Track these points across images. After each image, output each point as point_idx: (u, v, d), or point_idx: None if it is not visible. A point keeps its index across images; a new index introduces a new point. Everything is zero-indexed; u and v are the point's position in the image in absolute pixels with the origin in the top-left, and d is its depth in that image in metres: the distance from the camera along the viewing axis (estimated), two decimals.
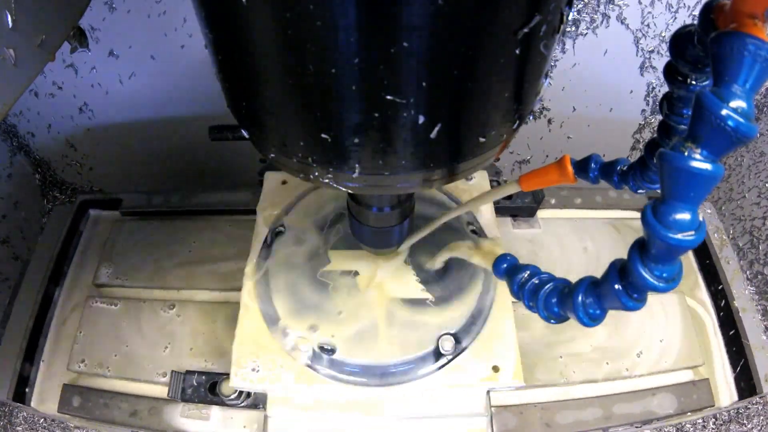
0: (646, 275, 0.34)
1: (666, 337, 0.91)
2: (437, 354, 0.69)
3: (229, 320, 0.91)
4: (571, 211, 1.05)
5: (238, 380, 0.68)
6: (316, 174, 0.41)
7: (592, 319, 0.40)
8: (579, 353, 0.88)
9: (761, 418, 1.20)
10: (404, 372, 0.69)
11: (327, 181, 0.42)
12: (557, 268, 0.94)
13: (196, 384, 0.81)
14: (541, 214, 1.02)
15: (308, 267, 0.76)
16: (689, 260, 1.02)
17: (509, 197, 0.97)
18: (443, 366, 0.69)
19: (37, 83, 1.07)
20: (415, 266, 0.76)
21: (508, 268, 0.56)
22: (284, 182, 0.87)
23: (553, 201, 1.04)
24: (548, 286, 0.47)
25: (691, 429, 1.26)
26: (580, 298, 0.41)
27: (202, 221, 1.07)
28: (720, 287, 0.97)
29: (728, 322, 0.94)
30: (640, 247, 0.34)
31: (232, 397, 0.79)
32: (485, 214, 0.83)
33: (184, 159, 1.32)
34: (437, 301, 0.72)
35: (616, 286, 0.37)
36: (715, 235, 1.02)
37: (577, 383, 0.86)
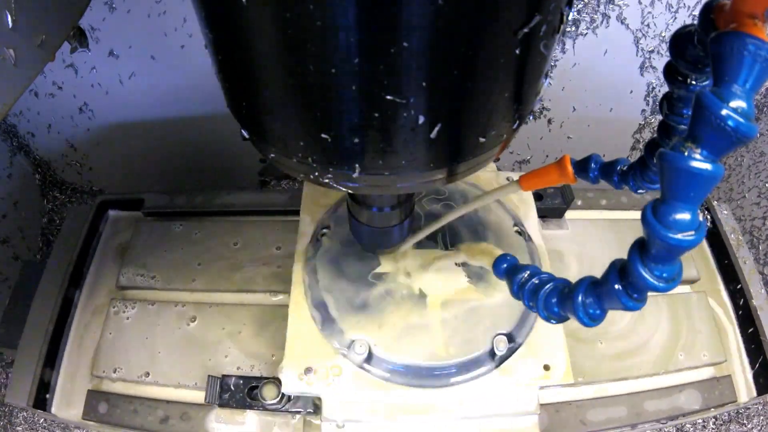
0: (646, 275, 0.34)
1: (690, 335, 0.93)
2: (492, 354, 0.69)
3: (258, 323, 0.90)
4: (597, 212, 1.06)
5: (291, 383, 0.66)
6: (316, 174, 0.41)
7: (592, 319, 0.40)
8: (608, 352, 0.90)
9: (761, 418, 1.20)
10: (459, 373, 0.68)
11: (327, 181, 0.42)
12: (587, 269, 0.95)
13: (233, 388, 0.79)
14: (568, 215, 1.03)
15: (357, 267, 0.75)
16: (709, 261, 1.05)
17: (539, 198, 0.97)
18: (498, 365, 0.69)
19: (37, 83, 1.07)
20: (466, 264, 0.75)
21: (508, 268, 0.56)
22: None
23: (579, 202, 1.06)
24: (548, 286, 0.47)
25: (691, 429, 1.26)
26: (580, 298, 0.41)
27: (228, 222, 1.04)
28: (739, 286, 0.99)
29: (747, 320, 0.97)
30: (640, 247, 0.34)
31: (275, 401, 0.77)
32: (529, 218, 0.83)
33: (184, 159, 1.32)
34: (489, 299, 0.72)
35: (616, 286, 0.37)
36: (732, 235, 1.03)
37: (608, 381, 0.88)
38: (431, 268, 0.75)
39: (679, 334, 0.92)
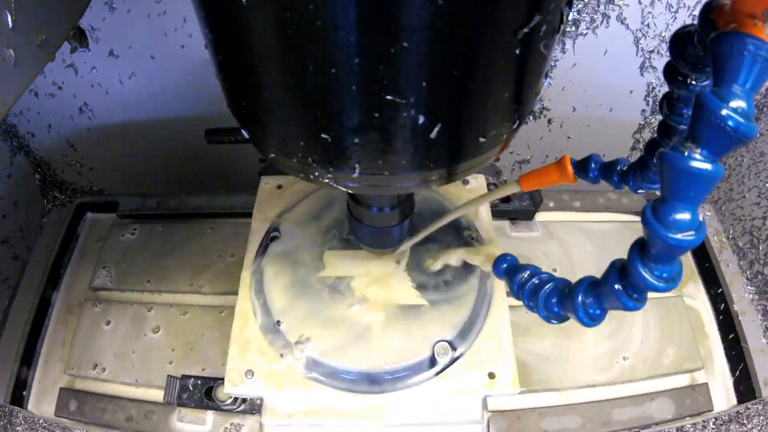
0: (646, 275, 0.34)
1: (665, 340, 0.90)
2: (433, 361, 0.69)
3: (226, 324, 0.90)
4: (570, 214, 1.04)
5: (232, 386, 0.67)
6: (316, 174, 0.41)
7: (592, 319, 0.40)
8: (576, 358, 0.87)
9: (761, 418, 1.20)
10: (399, 379, 0.68)
11: (327, 181, 0.42)
12: (557, 272, 0.94)
13: (191, 388, 0.81)
14: (540, 217, 1.01)
15: (304, 272, 0.76)
16: (689, 263, 1.02)
17: (507, 200, 0.97)
18: (439, 373, 0.68)
19: (37, 83, 1.07)
20: (412, 269, 0.75)
21: (508, 268, 0.56)
22: (279, 186, 0.87)
23: (551, 204, 1.04)
24: (548, 286, 0.47)
25: (691, 429, 1.26)
26: (580, 298, 0.41)
27: (200, 224, 1.07)
28: (719, 290, 0.96)
29: (727, 325, 0.94)
30: (640, 247, 0.34)
31: (228, 402, 0.79)
32: (483, 217, 0.82)
33: (184, 159, 1.32)
34: (433, 306, 0.72)
35: (616, 286, 0.37)
36: (715, 237, 1.02)
37: (575, 388, 0.85)
38: (376, 273, 0.75)
39: (654, 339, 0.90)
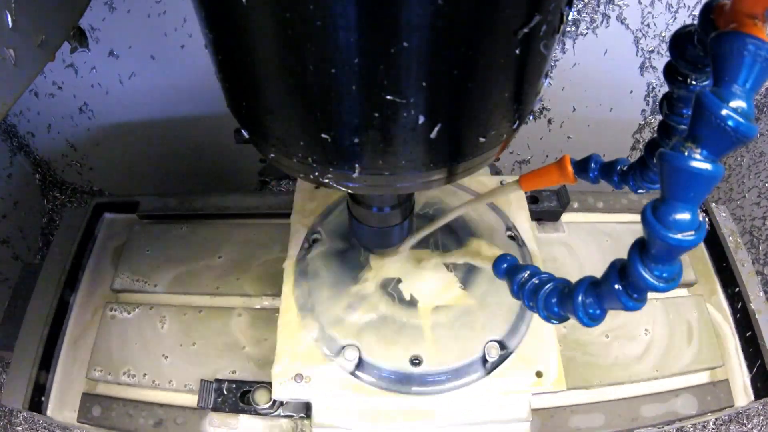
0: (646, 275, 0.34)
1: (686, 339, 0.92)
2: (483, 361, 0.69)
3: (254, 326, 0.89)
4: (594, 215, 1.05)
5: (282, 389, 0.66)
6: (316, 174, 0.41)
7: (592, 319, 0.40)
8: (603, 356, 0.89)
9: (761, 417, 1.20)
10: (450, 380, 0.68)
11: (327, 181, 0.42)
12: (583, 272, 0.94)
13: (226, 392, 0.79)
14: (565, 218, 1.02)
15: (348, 274, 0.75)
16: (707, 264, 1.04)
17: (535, 201, 0.97)
18: (489, 373, 0.68)
19: (37, 83, 1.07)
20: (459, 270, 0.75)
21: (508, 268, 0.56)
22: (318, 186, 0.84)
23: (576, 205, 1.05)
24: (548, 286, 0.47)
25: (691, 429, 1.26)
26: (580, 298, 0.41)
27: (224, 225, 1.04)
28: (737, 290, 0.98)
29: (745, 323, 0.96)
30: (640, 247, 0.34)
31: (266, 406, 0.77)
32: (522, 220, 0.82)
33: (184, 158, 1.32)
34: (480, 305, 0.72)
35: (616, 286, 0.37)
36: (730, 238, 1.03)
37: (603, 385, 0.87)
38: (423, 274, 0.75)
39: (675, 338, 0.91)
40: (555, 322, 0.46)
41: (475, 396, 0.68)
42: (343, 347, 0.68)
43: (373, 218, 0.62)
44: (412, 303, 0.72)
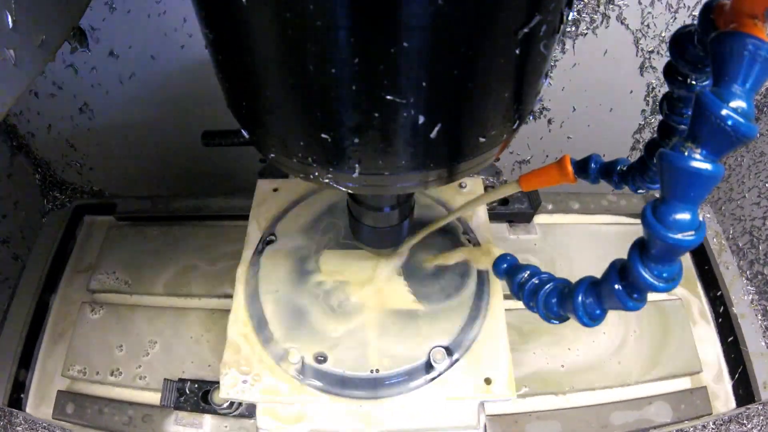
0: (646, 275, 0.34)
1: (664, 343, 0.90)
2: (428, 366, 0.68)
3: (223, 328, 0.91)
4: (568, 216, 1.04)
5: (228, 390, 0.67)
6: (316, 174, 0.41)
7: (592, 319, 0.40)
8: (575, 361, 0.87)
9: (761, 418, 1.20)
10: (395, 385, 0.68)
11: (327, 181, 0.42)
12: (555, 275, 0.94)
13: (188, 392, 0.81)
14: (538, 219, 1.01)
15: (299, 276, 0.75)
16: (688, 265, 1.01)
17: (505, 203, 0.96)
18: (434, 379, 0.68)
19: (37, 83, 1.07)
20: (409, 274, 0.75)
21: (508, 268, 0.56)
22: (275, 189, 0.87)
23: (550, 206, 1.04)
24: (548, 286, 0.47)
25: (691, 430, 1.26)
26: (580, 298, 0.41)
27: (198, 227, 1.07)
28: (719, 293, 0.96)
29: (727, 328, 0.93)
30: (640, 247, 0.34)
31: (224, 406, 0.79)
32: (480, 220, 0.82)
33: (184, 159, 1.32)
34: (429, 311, 0.71)
35: (616, 286, 0.37)
36: (714, 240, 1.01)
37: (573, 391, 0.85)
38: (373, 278, 0.75)
39: (653, 342, 0.89)
40: (555, 322, 0.46)
41: (420, 402, 0.67)
42: (287, 350, 0.68)
43: (373, 218, 0.62)
44: (359, 307, 0.72)
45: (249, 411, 0.80)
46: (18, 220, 1.14)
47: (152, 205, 1.09)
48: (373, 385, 0.68)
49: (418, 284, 0.74)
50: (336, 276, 0.75)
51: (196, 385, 0.81)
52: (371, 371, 0.67)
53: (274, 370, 0.68)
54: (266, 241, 0.79)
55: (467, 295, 0.73)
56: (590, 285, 0.41)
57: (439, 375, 0.68)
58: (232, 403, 0.79)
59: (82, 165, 1.29)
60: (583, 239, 0.98)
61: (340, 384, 0.68)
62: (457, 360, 0.69)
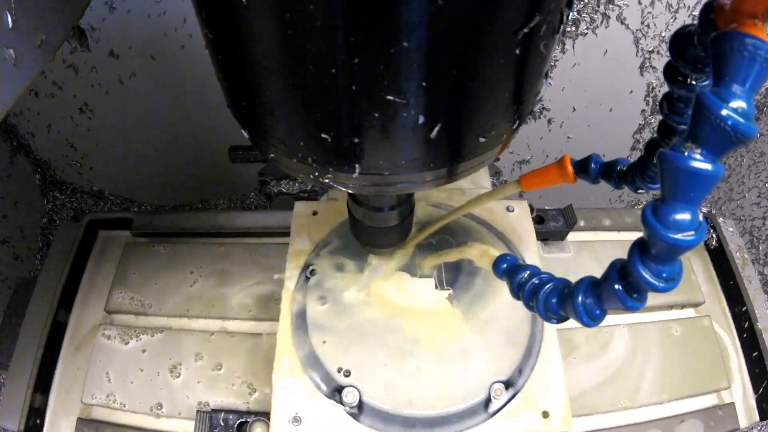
0: (646, 275, 0.34)
1: (690, 360, 0.89)
2: (488, 403, 0.66)
3: (253, 352, 0.86)
4: (600, 234, 1.03)
5: (280, 430, 0.64)
6: (316, 174, 0.41)
7: (592, 319, 0.40)
8: (604, 381, 0.86)
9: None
10: (453, 423, 0.66)
11: (327, 181, 0.42)
12: None
13: (222, 424, 0.77)
14: (571, 237, 1.00)
15: (347, 308, 0.72)
16: (713, 281, 1.00)
17: (541, 221, 0.94)
18: (494, 415, 0.66)
19: (37, 83, 1.07)
20: (464, 308, 0.72)
21: (508, 268, 0.56)
22: (315, 213, 0.81)
23: (582, 223, 1.02)
24: (548, 286, 0.47)
25: None
26: (580, 298, 0.41)
27: (221, 244, 1.01)
28: (744, 308, 0.95)
29: (751, 343, 0.93)
30: (640, 247, 0.34)
31: None
32: (528, 243, 0.79)
33: (184, 158, 1.32)
34: (485, 341, 0.69)
35: (616, 286, 0.37)
36: (737, 254, 1.00)
37: (606, 411, 0.84)
38: (425, 309, 0.72)
39: (679, 359, 0.89)
40: (554, 321, 0.46)
41: None
42: (343, 388, 0.65)
43: (373, 218, 0.62)
44: (414, 341, 0.69)
45: None
46: (18, 220, 1.14)
47: (171, 221, 1.03)
48: (431, 425, 0.66)
49: (471, 313, 0.71)
50: (388, 308, 0.72)
51: (230, 417, 0.77)
52: (429, 410, 0.65)
53: (328, 408, 0.65)
54: (310, 271, 0.75)
55: (523, 326, 0.70)
56: (590, 285, 0.41)
57: (498, 411, 0.66)
58: None
59: (82, 165, 1.30)
60: (615, 256, 0.97)
61: (397, 422, 0.66)
62: (515, 395, 0.66)
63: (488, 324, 0.70)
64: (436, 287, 0.73)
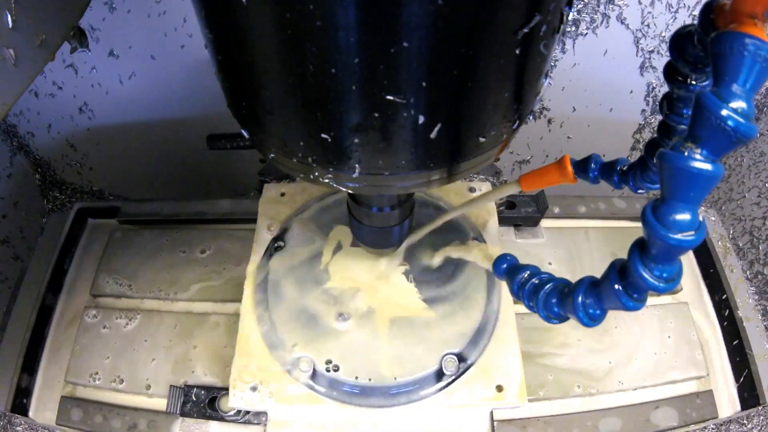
0: (646, 275, 0.34)
1: (669, 348, 0.89)
2: (440, 374, 0.67)
3: (229, 332, 0.90)
4: (576, 221, 1.03)
5: (237, 399, 0.66)
6: (316, 174, 0.41)
7: (592, 319, 0.40)
8: (581, 366, 0.87)
9: (761, 418, 1.20)
10: (406, 393, 0.67)
11: (327, 181, 0.42)
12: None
13: (195, 399, 0.80)
14: (544, 223, 1.00)
15: (308, 283, 0.75)
16: (693, 269, 1.00)
17: (513, 206, 0.96)
18: (446, 387, 0.67)
19: (37, 83, 1.07)
20: (420, 280, 0.74)
21: (508, 268, 0.56)
22: (283, 194, 0.86)
23: (556, 210, 1.03)
24: (548, 286, 0.47)
25: (692, 430, 1.26)
26: (580, 298, 0.41)
27: (202, 230, 1.06)
28: (724, 296, 0.95)
29: (732, 332, 0.93)
30: (640, 247, 0.34)
31: (231, 413, 0.78)
32: (490, 226, 0.81)
33: (184, 158, 1.32)
34: (441, 318, 0.71)
35: (616, 287, 0.37)
36: (719, 243, 1.00)
37: (580, 396, 0.84)
38: (383, 285, 0.74)
39: (657, 347, 0.89)
40: (555, 322, 0.46)
41: (430, 410, 0.67)
42: (298, 358, 0.68)
43: (373, 218, 0.62)
44: (370, 314, 0.71)
45: (256, 418, 0.79)
46: (18, 220, 1.14)
47: (156, 209, 1.08)
48: (384, 394, 0.67)
49: (428, 289, 0.73)
50: (346, 283, 0.74)
51: (203, 392, 0.80)
52: (382, 379, 0.67)
53: (284, 379, 0.67)
54: (274, 248, 0.79)
55: (478, 301, 0.72)
56: (590, 285, 0.41)
57: (450, 383, 0.67)
58: (239, 411, 0.78)
59: (82, 165, 1.29)
60: (589, 243, 0.97)
61: (350, 392, 0.67)
62: (468, 368, 0.68)
63: (444, 300, 0.73)
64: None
